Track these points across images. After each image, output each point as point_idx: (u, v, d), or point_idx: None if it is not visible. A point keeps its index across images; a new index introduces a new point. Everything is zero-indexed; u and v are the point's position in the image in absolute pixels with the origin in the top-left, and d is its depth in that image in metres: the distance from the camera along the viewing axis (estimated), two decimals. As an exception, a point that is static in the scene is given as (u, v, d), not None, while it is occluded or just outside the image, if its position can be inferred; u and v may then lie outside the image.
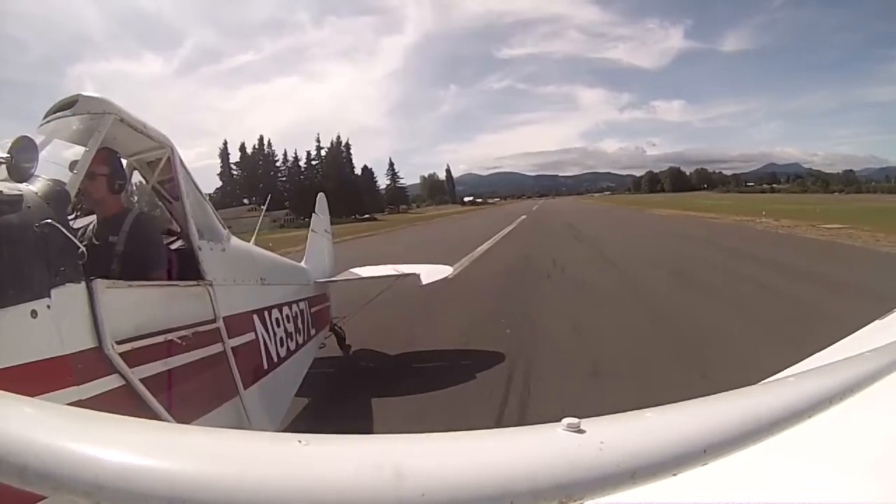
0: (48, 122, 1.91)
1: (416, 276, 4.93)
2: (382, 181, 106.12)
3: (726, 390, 0.68)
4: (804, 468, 0.68)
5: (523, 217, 36.19)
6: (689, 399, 0.65)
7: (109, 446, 0.50)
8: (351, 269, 5.53)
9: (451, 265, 6.11)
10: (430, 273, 5.13)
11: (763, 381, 0.88)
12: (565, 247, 15.55)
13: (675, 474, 0.51)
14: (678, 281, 8.86)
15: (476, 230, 23.97)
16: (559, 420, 0.54)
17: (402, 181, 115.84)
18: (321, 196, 5.78)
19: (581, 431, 0.53)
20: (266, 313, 2.87)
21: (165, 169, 2.36)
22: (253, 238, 4.04)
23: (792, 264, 10.22)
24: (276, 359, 2.89)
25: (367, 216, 71.91)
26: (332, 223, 5.81)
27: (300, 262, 4.59)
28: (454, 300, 7.73)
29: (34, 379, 1.27)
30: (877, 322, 1.48)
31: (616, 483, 0.48)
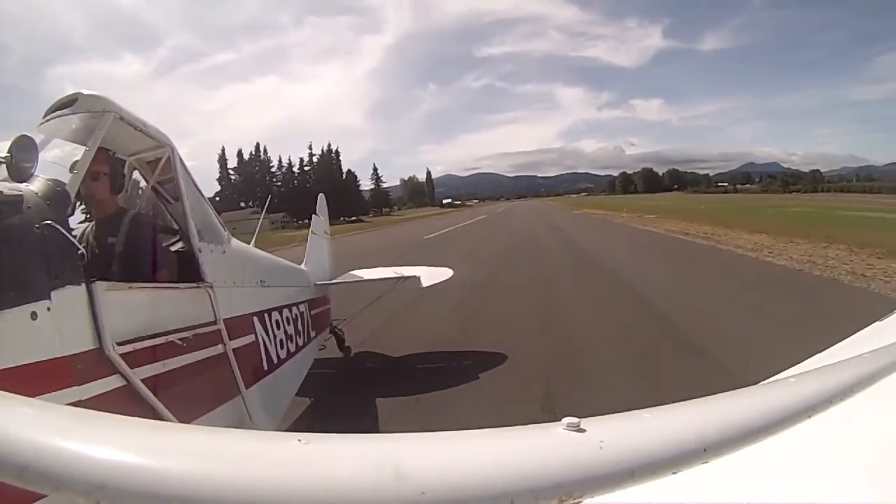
0: (48, 120, 1.90)
1: (417, 279, 4.94)
2: (365, 184, 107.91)
3: (727, 390, 0.69)
4: (804, 468, 0.68)
5: (484, 216, 47.99)
6: (689, 399, 0.65)
7: (110, 446, 0.50)
8: (351, 272, 5.51)
9: (449, 228, 12.10)
10: (431, 276, 5.12)
11: (763, 382, 0.88)
12: (485, 228, 28.76)
13: (674, 473, 0.51)
14: (510, 234, 21.32)
15: (449, 223, 36.15)
16: (559, 420, 0.54)
17: (384, 184, 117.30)
18: (321, 197, 5.75)
19: (581, 430, 0.53)
20: (266, 315, 2.86)
21: (165, 169, 2.35)
22: (253, 240, 4.03)
23: (560, 227, 24.12)
24: (276, 361, 2.88)
25: (354, 218, 73.61)
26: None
27: (299, 261, 4.58)
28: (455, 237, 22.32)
29: (34, 380, 1.27)
30: (877, 323, 1.48)
31: (616, 482, 0.48)
